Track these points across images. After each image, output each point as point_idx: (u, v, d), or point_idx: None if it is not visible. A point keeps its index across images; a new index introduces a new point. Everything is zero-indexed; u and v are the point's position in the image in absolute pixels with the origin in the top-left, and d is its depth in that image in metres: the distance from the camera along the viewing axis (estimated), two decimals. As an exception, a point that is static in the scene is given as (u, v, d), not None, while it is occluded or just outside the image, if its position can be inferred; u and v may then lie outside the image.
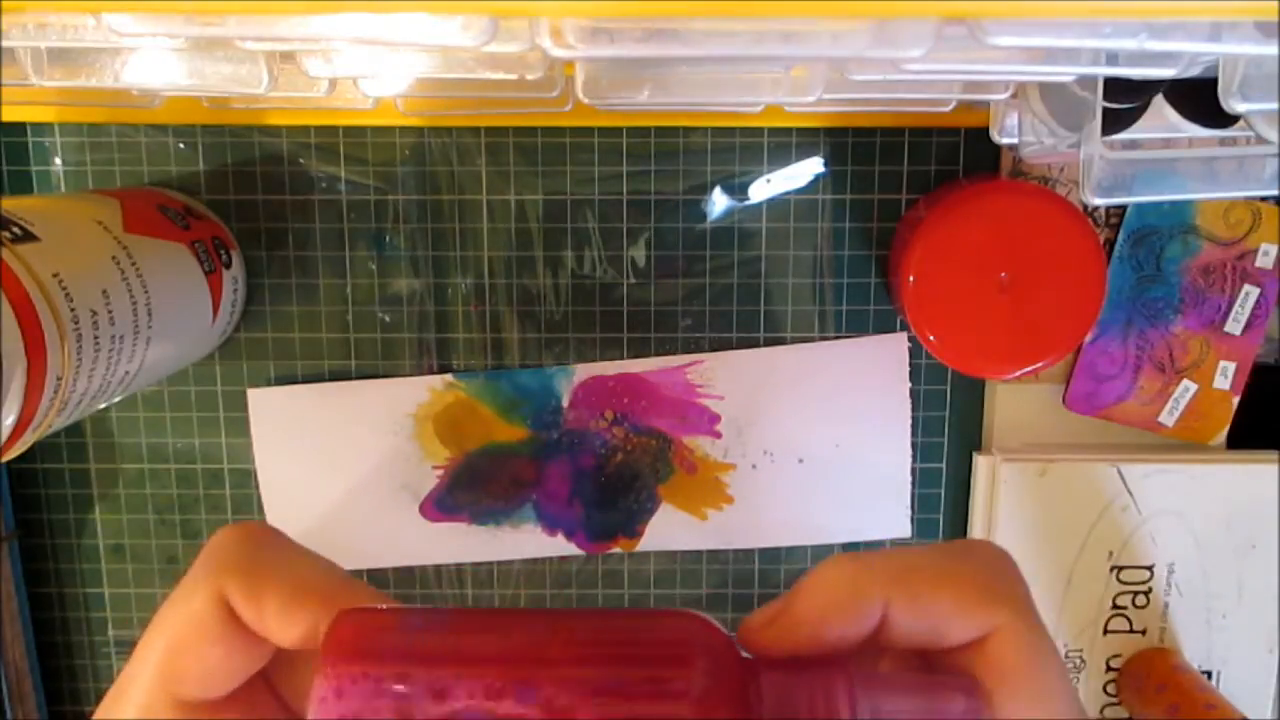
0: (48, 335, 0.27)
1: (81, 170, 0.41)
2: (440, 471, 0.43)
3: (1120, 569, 0.43)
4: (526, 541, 0.44)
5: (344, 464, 0.43)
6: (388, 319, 0.42)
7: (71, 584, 0.45)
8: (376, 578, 0.45)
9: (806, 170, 0.41)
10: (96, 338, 0.29)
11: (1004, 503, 0.42)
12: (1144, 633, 0.44)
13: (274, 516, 0.44)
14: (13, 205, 0.30)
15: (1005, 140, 0.36)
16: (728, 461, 0.44)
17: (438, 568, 0.45)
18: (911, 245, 0.37)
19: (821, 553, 0.45)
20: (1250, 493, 0.42)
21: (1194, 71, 0.24)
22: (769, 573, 0.45)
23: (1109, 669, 0.44)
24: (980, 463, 0.43)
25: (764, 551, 0.45)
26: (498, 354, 0.43)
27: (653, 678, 0.17)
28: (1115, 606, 0.44)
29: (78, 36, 0.24)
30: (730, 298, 0.42)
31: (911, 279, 0.37)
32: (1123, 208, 0.41)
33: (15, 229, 0.28)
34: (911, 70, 0.25)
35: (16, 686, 0.43)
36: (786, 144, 0.41)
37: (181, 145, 0.41)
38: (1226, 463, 0.42)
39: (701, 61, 0.25)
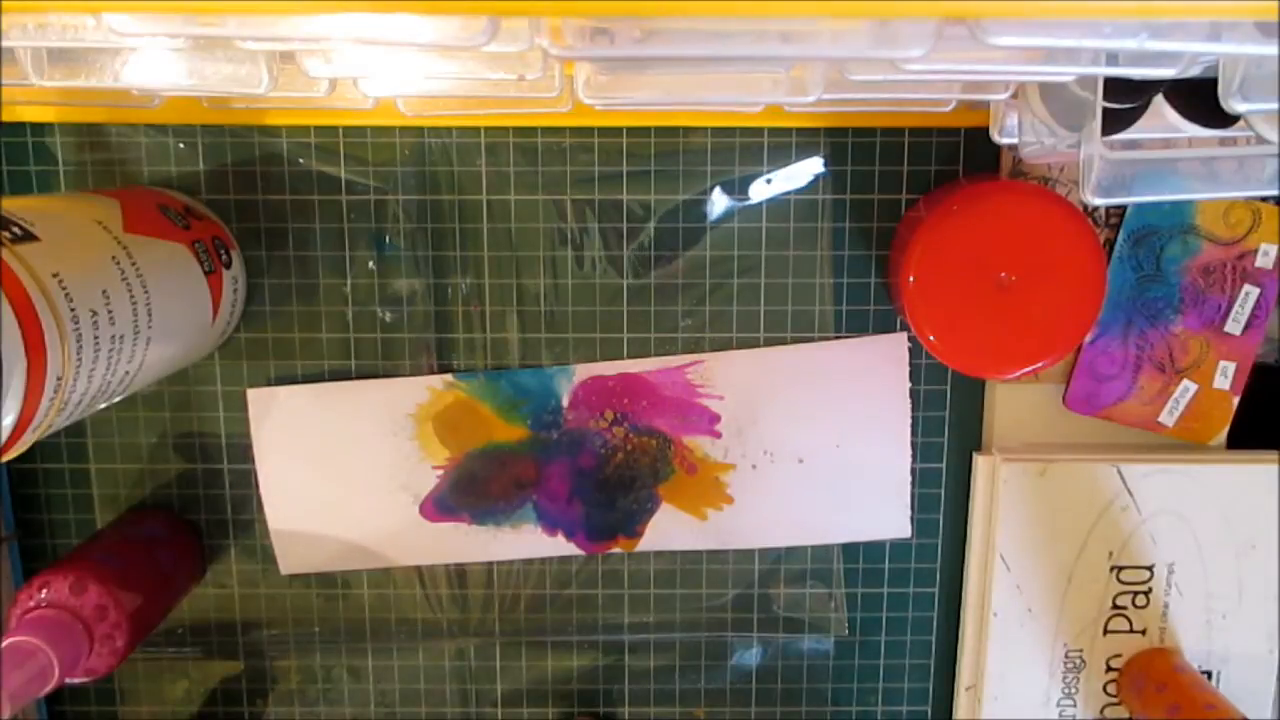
0: (48, 335, 0.27)
1: (81, 170, 0.41)
2: (440, 471, 0.43)
3: (1120, 569, 0.43)
4: (526, 541, 0.44)
5: (344, 464, 0.43)
6: (388, 319, 0.42)
7: (71, 584, 0.45)
8: (376, 578, 0.45)
9: (806, 170, 0.41)
10: (96, 338, 0.29)
11: (1004, 503, 0.42)
12: (1144, 633, 0.44)
13: (274, 516, 0.44)
14: (13, 205, 0.30)
15: (1005, 140, 0.36)
16: (727, 461, 0.44)
17: (437, 568, 0.45)
18: (911, 245, 0.37)
19: (821, 553, 0.45)
20: (1250, 493, 0.42)
21: (1194, 71, 0.24)
22: (769, 573, 0.45)
23: (1109, 669, 0.44)
24: (980, 463, 0.43)
25: (764, 551, 0.45)
26: (498, 354, 0.43)
27: None
28: (1115, 606, 0.44)
29: (78, 36, 0.24)
30: (730, 298, 0.42)
31: (911, 279, 0.37)
32: (1123, 208, 0.41)
33: (15, 229, 0.28)
34: (911, 70, 0.25)
35: (16, 686, 0.43)
36: (786, 144, 0.41)
37: (181, 145, 0.41)
38: (1226, 463, 0.42)
39: (701, 61, 0.25)
